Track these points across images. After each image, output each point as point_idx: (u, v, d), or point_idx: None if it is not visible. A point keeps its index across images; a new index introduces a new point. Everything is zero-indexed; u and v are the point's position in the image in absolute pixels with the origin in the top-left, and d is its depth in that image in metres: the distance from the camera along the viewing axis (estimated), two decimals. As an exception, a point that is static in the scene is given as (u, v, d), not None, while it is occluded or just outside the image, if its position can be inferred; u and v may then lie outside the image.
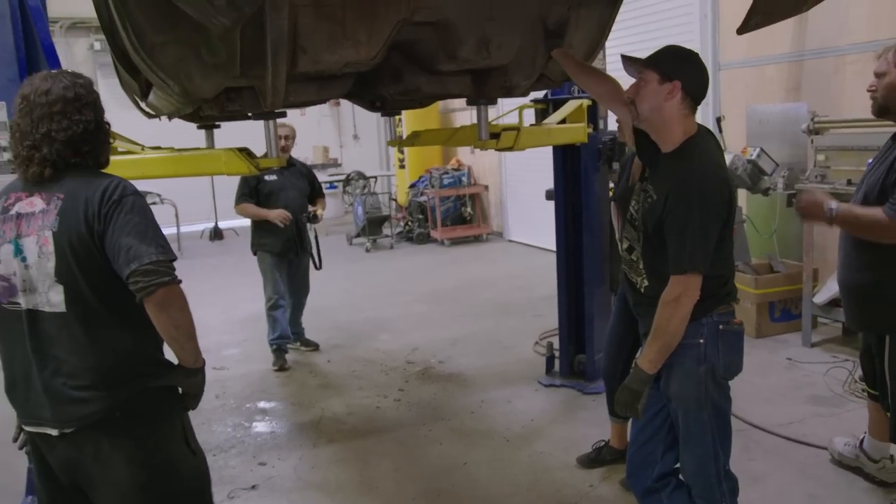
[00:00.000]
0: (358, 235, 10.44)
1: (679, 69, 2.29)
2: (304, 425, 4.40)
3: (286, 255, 5.35)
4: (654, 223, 2.30)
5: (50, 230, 1.92)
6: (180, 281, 1.93)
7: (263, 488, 3.65)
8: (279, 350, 5.47)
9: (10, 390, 2.06)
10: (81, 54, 11.70)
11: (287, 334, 5.53)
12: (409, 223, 10.84)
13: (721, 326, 2.33)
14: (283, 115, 2.97)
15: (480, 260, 9.26)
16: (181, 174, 3.11)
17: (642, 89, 2.31)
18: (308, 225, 5.44)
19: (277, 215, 5.13)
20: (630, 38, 6.51)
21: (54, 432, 1.98)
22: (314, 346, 5.81)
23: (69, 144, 1.95)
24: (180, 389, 2.13)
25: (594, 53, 3.26)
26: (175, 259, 1.96)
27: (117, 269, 1.90)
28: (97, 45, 11.51)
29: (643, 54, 2.41)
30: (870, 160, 3.07)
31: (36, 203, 1.96)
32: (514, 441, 4.01)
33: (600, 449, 3.67)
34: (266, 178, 5.23)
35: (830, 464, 3.52)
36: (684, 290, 2.22)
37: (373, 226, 10.31)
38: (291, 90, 2.66)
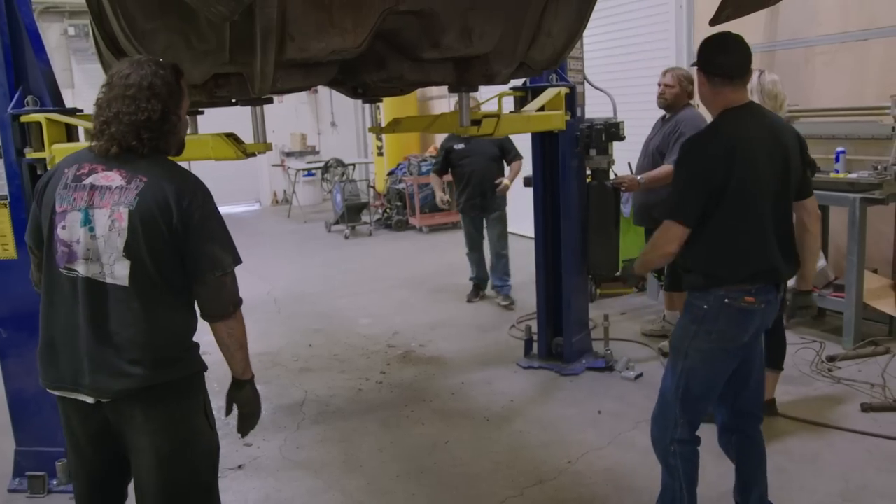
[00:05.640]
0: (337, 222, 10.47)
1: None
2: (287, 407, 4.47)
3: (469, 213, 6.36)
4: None
5: (126, 207, 2.01)
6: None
7: (249, 468, 3.73)
8: (477, 286, 6.59)
9: (44, 351, 2.11)
10: (55, 39, 11.54)
11: (481, 276, 6.59)
12: (388, 210, 10.88)
13: (727, 300, 2.52)
14: (270, 101, 3.03)
15: (458, 246, 9.24)
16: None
17: None
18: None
19: (440, 199, 6.71)
20: (606, 27, 6.60)
21: (90, 400, 2.05)
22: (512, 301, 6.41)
23: (131, 127, 2.05)
24: (235, 409, 2.32)
25: (572, 43, 3.35)
26: (241, 263, 2.20)
27: (193, 269, 2.08)
28: (71, 31, 11.39)
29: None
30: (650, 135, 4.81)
31: (113, 178, 2.05)
32: (494, 421, 4.12)
33: None
34: (455, 146, 6.12)
35: (796, 438, 3.68)
36: (663, 232, 2.58)
37: (352, 213, 10.34)
38: (278, 77, 2.70)
